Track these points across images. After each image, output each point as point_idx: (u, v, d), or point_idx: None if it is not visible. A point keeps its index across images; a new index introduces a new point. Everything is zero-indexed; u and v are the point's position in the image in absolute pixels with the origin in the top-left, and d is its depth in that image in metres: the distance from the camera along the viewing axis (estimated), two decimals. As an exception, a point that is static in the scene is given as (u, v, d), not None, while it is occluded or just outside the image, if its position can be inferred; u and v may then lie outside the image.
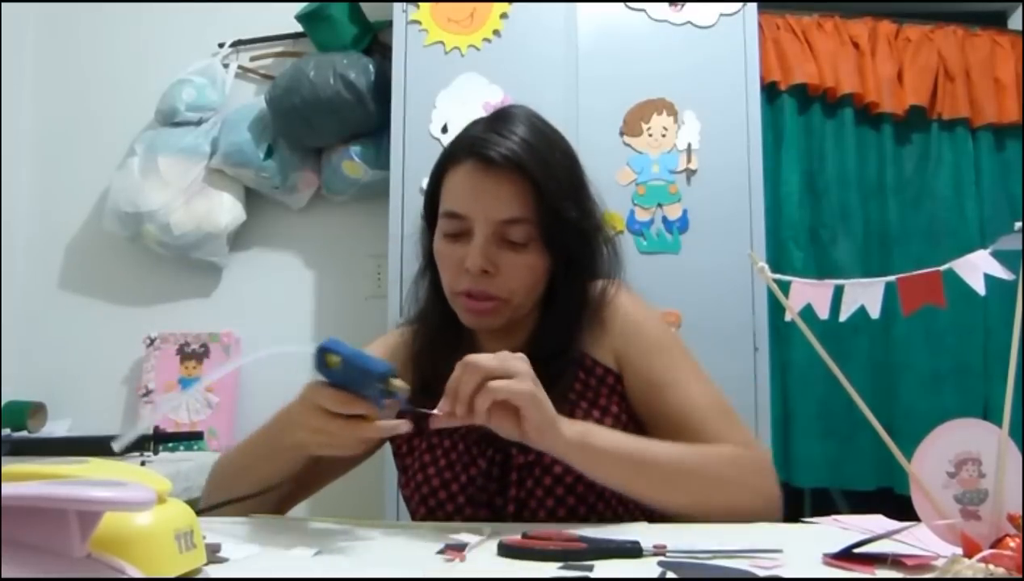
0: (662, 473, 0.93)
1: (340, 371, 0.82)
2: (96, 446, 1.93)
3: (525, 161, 0.99)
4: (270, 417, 1.01)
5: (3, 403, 2.34)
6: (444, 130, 2.12)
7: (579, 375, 1.06)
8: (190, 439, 2.31)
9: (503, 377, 0.84)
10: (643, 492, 0.94)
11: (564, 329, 1.06)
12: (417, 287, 1.14)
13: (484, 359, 0.85)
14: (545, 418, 0.86)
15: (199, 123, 2.48)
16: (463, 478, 1.05)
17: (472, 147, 1.01)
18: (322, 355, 0.82)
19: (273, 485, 0.98)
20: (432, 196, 1.07)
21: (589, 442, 0.91)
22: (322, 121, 2.31)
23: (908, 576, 0.66)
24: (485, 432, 0.94)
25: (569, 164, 1.06)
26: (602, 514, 1.01)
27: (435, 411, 0.86)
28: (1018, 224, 0.65)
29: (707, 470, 0.95)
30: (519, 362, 0.86)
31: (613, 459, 0.92)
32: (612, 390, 1.06)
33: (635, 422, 1.06)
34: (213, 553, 0.71)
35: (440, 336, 1.09)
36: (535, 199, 1.00)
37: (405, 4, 2.17)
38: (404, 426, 0.85)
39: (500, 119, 1.04)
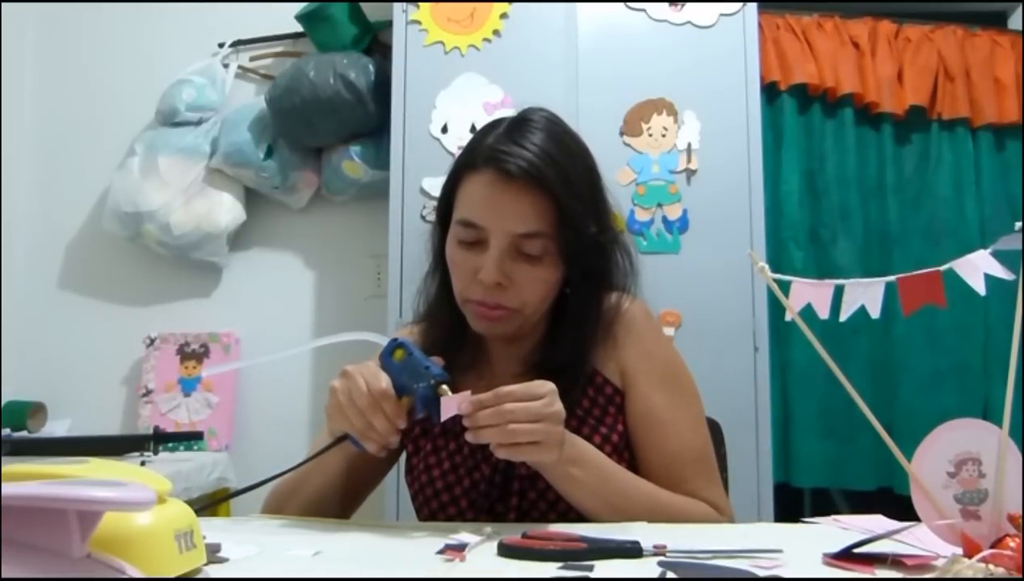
0: (633, 514, 0.93)
1: (401, 364, 0.89)
2: (96, 446, 1.93)
3: (545, 175, 0.97)
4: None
5: (3, 403, 2.34)
6: (444, 130, 2.12)
7: (588, 392, 1.06)
8: (190, 439, 2.32)
9: (532, 420, 0.85)
10: (608, 520, 0.94)
11: (575, 341, 1.05)
12: (426, 285, 1.13)
13: (519, 410, 0.84)
14: (553, 456, 0.88)
15: (199, 123, 2.48)
16: (466, 482, 1.05)
17: (490, 157, 0.98)
18: (391, 346, 0.90)
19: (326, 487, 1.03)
20: (447, 199, 1.05)
21: (570, 472, 0.92)
22: (322, 121, 2.31)
23: (908, 576, 0.66)
24: None
25: (589, 175, 1.05)
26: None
27: (464, 398, 0.86)
28: (1018, 224, 0.65)
29: (678, 521, 0.95)
30: (549, 408, 0.86)
31: (588, 491, 0.94)
32: (619, 410, 1.06)
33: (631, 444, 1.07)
34: (213, 553, 0.71)
35: (448, 336, 1.08)
36: (553, 214, 0.98)
37: (405, 4, 2.17)
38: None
39: (519, 127, 1.01)
